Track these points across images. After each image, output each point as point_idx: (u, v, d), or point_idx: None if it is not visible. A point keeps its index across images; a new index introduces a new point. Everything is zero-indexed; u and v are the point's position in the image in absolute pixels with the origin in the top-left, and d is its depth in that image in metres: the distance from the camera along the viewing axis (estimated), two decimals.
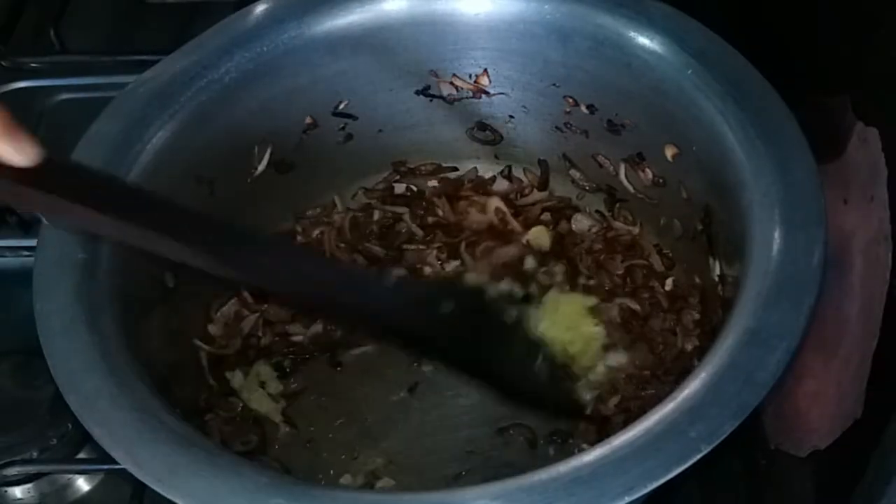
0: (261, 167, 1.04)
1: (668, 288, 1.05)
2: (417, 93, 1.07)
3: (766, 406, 0.91)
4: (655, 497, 0.71)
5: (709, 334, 0.96)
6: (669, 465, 0.68)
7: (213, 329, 1.04)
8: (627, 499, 0.68)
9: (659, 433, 0.70)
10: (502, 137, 1.11)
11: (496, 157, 1.13)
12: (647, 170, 1.02)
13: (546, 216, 1.11)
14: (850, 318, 0.79)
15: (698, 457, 0.69)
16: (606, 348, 1.01)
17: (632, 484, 0.68)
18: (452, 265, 1.10)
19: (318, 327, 1.06)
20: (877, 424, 0.70)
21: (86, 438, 0.99)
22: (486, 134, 1.11)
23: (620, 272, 1.06)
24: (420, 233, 1.12)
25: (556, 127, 1.07)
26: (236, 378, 1.02)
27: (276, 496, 0.70)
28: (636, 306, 1.03)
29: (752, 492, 0.96)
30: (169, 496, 0.71)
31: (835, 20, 0.87)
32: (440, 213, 1.13)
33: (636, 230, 1.08)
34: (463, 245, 1.11)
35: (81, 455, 1.01)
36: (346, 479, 0.97)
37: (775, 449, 0.90)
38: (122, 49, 1.23)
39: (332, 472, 0.97)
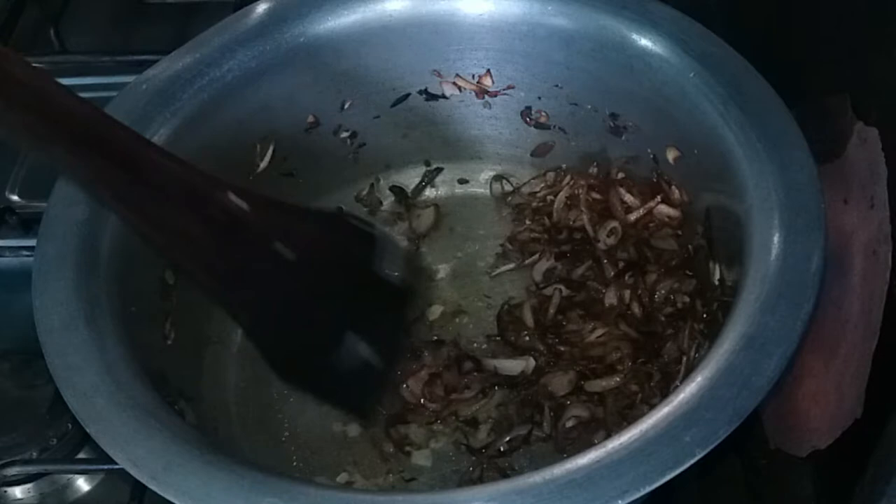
0: (263, 165, 1.04)
1: None
2: (420, 92, 1.07)
3: (766, 406, 0.91)
4: (655, 497, 0.71)
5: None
6: (664, 469, 0.68)
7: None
8: (621, 502, 0.67)
9: (654, 437, 0.70)
10: (505, 138, 1.11)
11: (498, 156, 1.13)
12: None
13: None
14: (850, 318, 0.79)
15: (692, 461, 0.69)
16: None
17: (626, 487, 0.68)
18: None
19: None
20: (877, 424, 0.70)
21: (86, 438, 0.98)
22: (489, 134, 1.11)
23: None
24: None
25: (559, 128, 1.07)
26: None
27: (270, 494, 0.69)
28: None
29: (752, 492, 0.95)
30: (164, 494, 0.71)
31: (835, 20, 0.87)
32: None
33: None
34: None
35: (81, 455, 1.01)
36: (342, 477, 0.97)
37: (775, 449, 0.90)
38: (122, 49, 1.23)
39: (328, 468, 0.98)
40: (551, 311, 1.03)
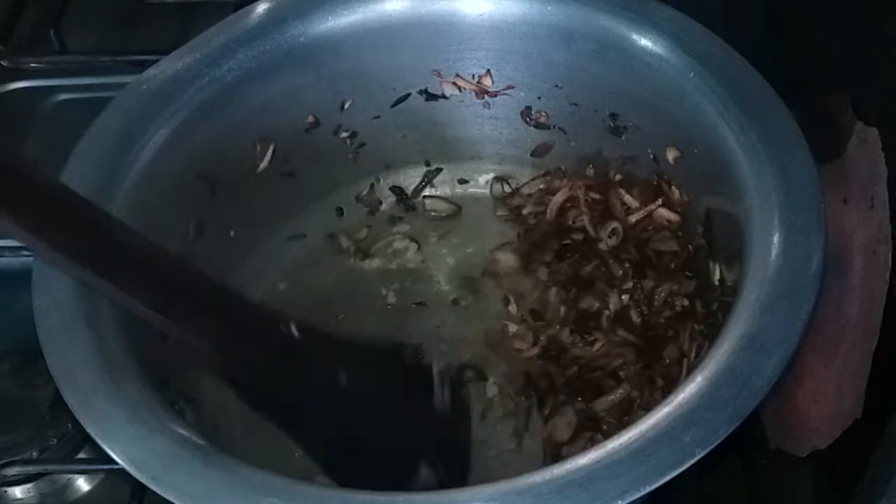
0: (263, 165, 1.04)
1: None
2: (420, 92, 1.07)
3: (766, 406, 0.91)
4: (655, 497, 0.70)
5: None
6: (663, 469, 0.68)
7: None
8: (621, 502, 0.67)
9: (653, 437, 0.70)
10: (505, 138, 1.11)
11: (498, 156, 1.13)
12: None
13: None
14: (850, 318, 0.79)
15: (692, 462, 0.69)
16: None
17: (626, 488, 0.67)
18: None
19: None
20: (877, 424, 0.70)
21: (86, 438, 0.98)
22: (489, 134, 1.11)
23: None
24: None
25: (559, 128, 1.07)
26: None
27: (270, 495, 0.69)
28: None
29: (752, 492, 0.95)
30: (164, 494, 0.71)
31: (835, 20, 0.87)
32: None
33: None
34: None
35: (81, 455, 1.01)
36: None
37: (775, 449, 0.90)
38: (122, 49, 1.22)
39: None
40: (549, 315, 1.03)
